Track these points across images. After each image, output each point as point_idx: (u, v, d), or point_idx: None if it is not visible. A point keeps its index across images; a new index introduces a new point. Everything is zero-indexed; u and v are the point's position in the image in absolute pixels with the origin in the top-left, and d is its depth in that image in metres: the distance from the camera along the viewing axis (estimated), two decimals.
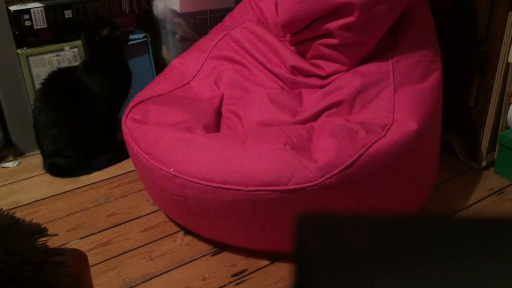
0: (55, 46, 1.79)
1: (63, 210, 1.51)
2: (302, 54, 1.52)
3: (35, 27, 1.74)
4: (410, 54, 1.39)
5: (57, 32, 1.81)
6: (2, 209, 0.71)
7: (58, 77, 1.68)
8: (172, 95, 1.51)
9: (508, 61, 1.52)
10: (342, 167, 1.13)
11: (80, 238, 1.39)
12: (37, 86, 1.73)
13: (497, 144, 1.62)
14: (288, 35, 1.56)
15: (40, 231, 0.68)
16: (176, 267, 1.27)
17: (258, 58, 1.56)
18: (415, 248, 0.25)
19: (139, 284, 1.22)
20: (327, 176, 1.11)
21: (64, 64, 1.80)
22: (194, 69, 1.62)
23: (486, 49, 1.55)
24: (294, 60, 1.50)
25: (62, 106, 1.65)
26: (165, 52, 2.04)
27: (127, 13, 1.91)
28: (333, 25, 1.39)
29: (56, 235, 0.72)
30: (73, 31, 1.81)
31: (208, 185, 1.16)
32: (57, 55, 1.79)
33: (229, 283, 1.22)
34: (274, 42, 1.56)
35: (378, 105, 1.32)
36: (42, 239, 0.68)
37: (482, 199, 1.52)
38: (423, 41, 1.43)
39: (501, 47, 1.51)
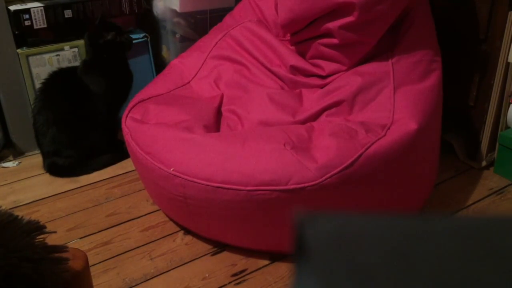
0: (55, 46, 1.79)
1: (63, 210, 1.51)
2: (302, 54, 1.52)
3: (35, 27, 1.74)
4: (410, 54, 1.39)
5: (57, 32, 1.80)
6: (0, 206, 0.71)
7: (58, 77, 1.68)
8: (172, 95, 1.51)
9: (508, 61, 1.52)
10: (342, 167, 1.13)
11: (80, 238, 1.39)
12: (37, 86, 1.73)
13: (497, 144, 1.62)
14: (288, 34, 1.56)
15: (39, 228, 0.68)
16: (176, 267, 1.27)
17: (258, 57, 1.56)
18: (415, 248, 0.25)
19: (139, 284, 1.22)
20: (327, 176, 1.11)
21: (64, 64, 1.80)
22: (194, 69, 1.62)
23: (486, 49, 1.55)
24: (294, 59, 1.50)
25: (62, 105, 1.65)
26: (165, 52, 2.04)
27: (127, 13, 1.91)
28: (333, 24, 1.39)
29: (55, 232, 0.71)
30: (73, 31, 1.81)
31: (208, 185, 1.16)
32: (57, 55, 1.79)
33: (229, 282, 1.22)
34: (274, 41, 1.56)
35: (378, 105, 1.32)
36: (41, 236, 0.68)
37: (482, 199, 1.52)
38: (423, 40, 1.43)
39: (501, 47, 1.51)
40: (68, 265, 0.67)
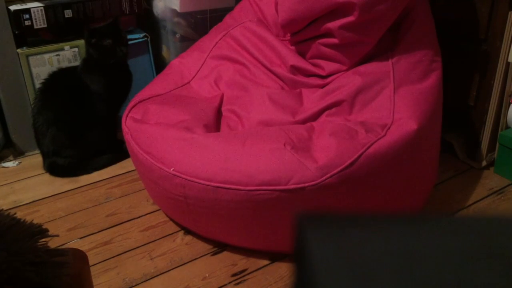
0: (55, 46, 1.79)
1: (63, 210, 1.51)
2: (302, 54, 1.52)
3: (35, 27, 1.74)
4: (410, 54, 1.39)
5: (57, 31, 1.80)
6: (2, 209, 0.71)
7: (58, 77, 1.68)
8: (172, 95, 1.51)
9: (508, 61, 1.52)
10: (342, 167, 1.13)
11: (80, 238, 1.39)
12: (37, 85, 1.73)
13: (497, 143, 1.62)
14: (288, 34, 1.56)
15: (41, 232, 0.68)
16: (176, 267, 1.27)
17: (258, 57, 1.56)
18: (415, 248, 0.25)
19: (139, 283, 1.22)
20: (327, 175, 1.11)
21: (64, 64, 1.80)
22: (194, 69, 1.62)
23: (486, 49, 1.55)
24: (294, 59, 1.50)
25: (62, 105, 1.65)
26: (165, 52, 2.04)
27: (127, 13, 1.91)
28: (333, 24, 1.39)
29: (57, 235, 0.71)
30: (73, 31, 1.81)
31: (208, 185, 1.16)
32: (57, 55, 1.79)
33: (229, 282, 1.22)
34: (274, 41, 1.56)
35: (378, 104, 1.32)
36: (43, 240, 0.68)
37: (482, 198, 1.52)
38: (423, 40, 1.43)
39: (501, 47, 1.51)
40: (70, 268, 0.67)
